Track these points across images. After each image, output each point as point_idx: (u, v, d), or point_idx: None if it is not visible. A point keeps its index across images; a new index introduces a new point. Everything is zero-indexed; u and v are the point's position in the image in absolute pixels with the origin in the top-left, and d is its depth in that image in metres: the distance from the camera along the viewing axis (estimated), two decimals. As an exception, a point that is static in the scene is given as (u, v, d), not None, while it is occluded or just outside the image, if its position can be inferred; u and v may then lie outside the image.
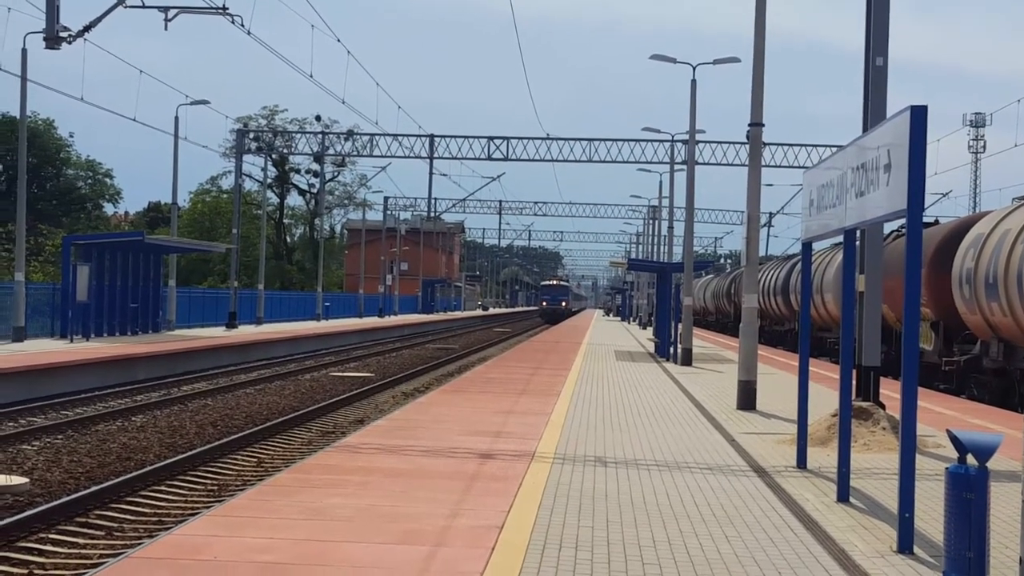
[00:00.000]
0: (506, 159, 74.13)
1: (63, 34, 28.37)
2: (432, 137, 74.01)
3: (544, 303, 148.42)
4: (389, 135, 73.19)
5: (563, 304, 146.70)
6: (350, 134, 78.19)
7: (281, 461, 19.97)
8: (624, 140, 73.40)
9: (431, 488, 13.27)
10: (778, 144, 70.97)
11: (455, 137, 74.20)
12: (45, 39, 28.79)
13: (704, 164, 70.06)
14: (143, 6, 33.04)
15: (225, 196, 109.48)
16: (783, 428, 19.93)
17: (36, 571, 12.37)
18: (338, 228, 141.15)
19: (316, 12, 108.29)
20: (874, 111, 19.09)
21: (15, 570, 12.37)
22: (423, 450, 16.40)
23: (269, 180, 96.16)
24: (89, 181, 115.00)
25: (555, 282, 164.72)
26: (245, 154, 77.07)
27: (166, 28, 35.09)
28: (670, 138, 63.56)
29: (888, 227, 26.26)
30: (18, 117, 44.81)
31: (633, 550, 10.35)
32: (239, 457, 20.71)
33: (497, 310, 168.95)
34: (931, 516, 11.52)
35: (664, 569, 9.69)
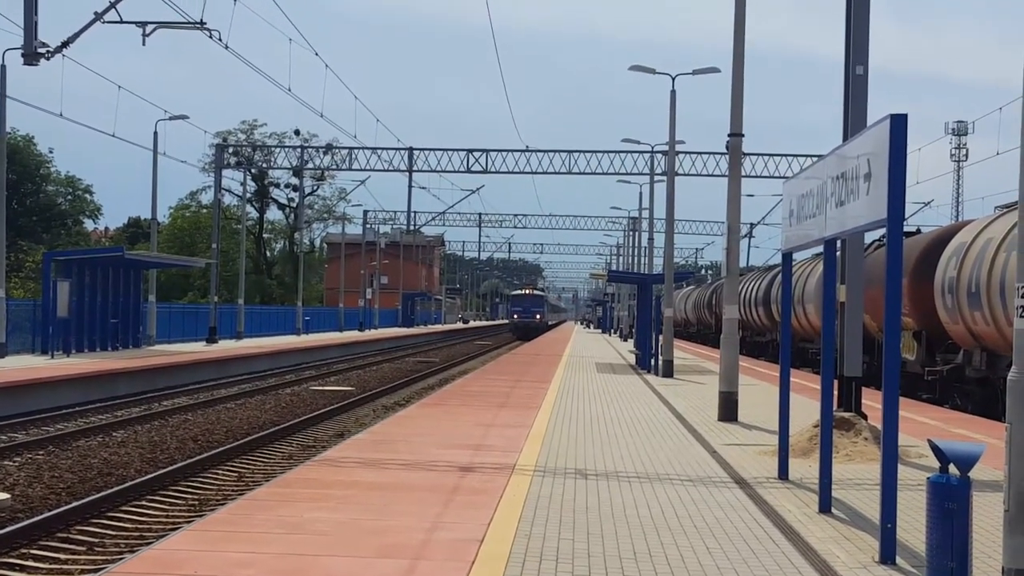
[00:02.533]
0: (485, 172, 74.23)
1: (41, 50, 28.35)
2: (411, 150, 74.15)
3: (515, 316, 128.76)
4: (368, 148, 73.33)
5: (537, 317, 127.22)
6: (329, 148, 78.32)
7: (262, 475, 19.93)
8: (604, 152, 73.62)
9: (411, 501, 13.25)
10: (758, 154, 71.18)
11: (434, 150, 74.39)
12: (23, 55, 28.75)
13: (684, 175, 70.20)
14: (121, 21, 33.00)
15: (205, 211, 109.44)
16: (765, 439, 19.93)
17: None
18: (318, 242, 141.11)
19: (294, 26, 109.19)
20: (854, 120, 19.12)
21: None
22: (403, 463, 16.37)
23: (248, 195, 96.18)
24: (69, 197, 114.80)
25: (528, 291, 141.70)
26: (224, 169, 77.00)
27: (144, 43, 35.10)
28: (650, 149, 63.89)
29: (869, 236, 26.26)
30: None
31: (614, 563, 10.34)
32: (220, 472, 20.66)
33: (478, 323, 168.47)
34: (913, 526, 11.53)
35: (646, 573, 9.69)
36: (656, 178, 61.85)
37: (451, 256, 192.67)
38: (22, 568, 13.13)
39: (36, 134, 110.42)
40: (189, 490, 18.65)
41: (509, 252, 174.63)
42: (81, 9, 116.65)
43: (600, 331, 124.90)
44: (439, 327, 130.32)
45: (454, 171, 74.69)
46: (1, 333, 39.36)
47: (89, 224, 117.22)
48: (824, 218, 12.72)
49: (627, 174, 73.26)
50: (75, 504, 16.31)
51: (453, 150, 74.14)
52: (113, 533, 15.20)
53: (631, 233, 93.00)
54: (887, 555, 10.34)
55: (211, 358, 46.11)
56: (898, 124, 10.13)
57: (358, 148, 73.45)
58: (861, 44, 19.71)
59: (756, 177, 70.98)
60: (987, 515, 12.02)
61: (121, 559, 11.95)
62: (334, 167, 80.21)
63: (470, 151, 74.12)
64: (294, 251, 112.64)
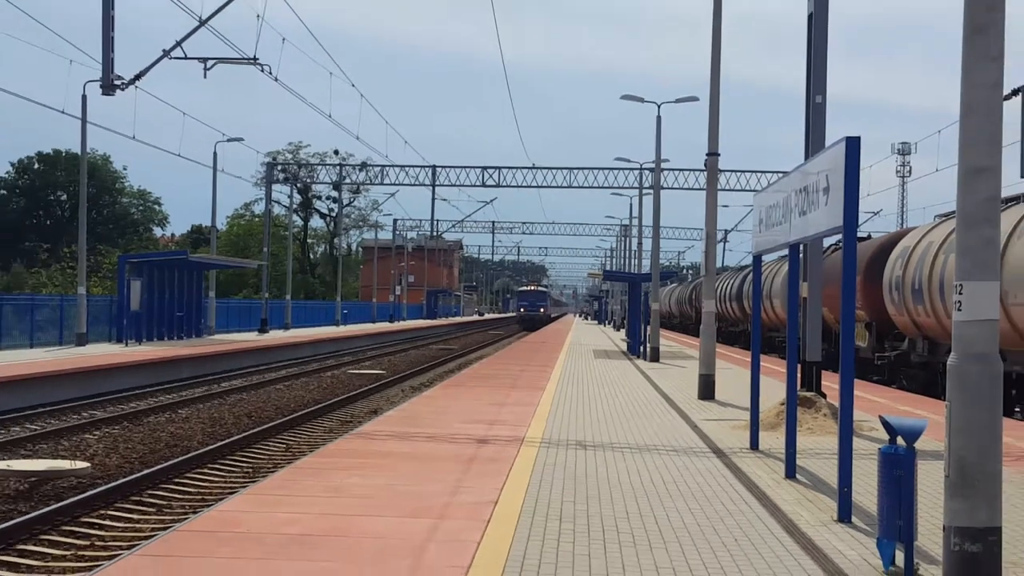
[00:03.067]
0: (498, 185, 74.53)
1: (117, 82, 28.37)
2: (434, 167, 74.37)
3: (522, 309, 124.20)
4: (397, 166, 73.65)
5: (542, 310, 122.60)
6: (364, 165, 78.37)
7: (307, 447, 19.94)
8: (599, 168, 73.84)
9: (436, 469, 13.26)
10: (732, 171, 71.30)
11: (454, 167, 74.63)
12: (102, 87, 28.81)
13: (668, 188, 70.31)
14: (185, 57, 32.99)
15: (257, 220, 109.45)
16: (738, 415, 19.93)
17: (97, 543, 12.35)
18: (354, 246, 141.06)
19: (334, 61, 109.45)
20: (815, 141, 19.09)
21: (79, 541, 12.36)
22: (429, 436, 16.38)
23: (294, 206, 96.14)
24: (140, 208, 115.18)
25: (533, 287, 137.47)
26: (274, 183, 77.40)
27: (205, 76, 35.13)
28: (639, 167, 63.65)
29: (827, 242, 26.21)
30: (80, 154, 44.81)
31: (610, 521, 10.34)
32: (270, 443, 20.72)
33: (491, 315, 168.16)
34: (866, 490, 11.50)
35: (636, 536, 9.68)
36: (644, 191, 61.72)
37: (468, 258, 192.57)
38: (101, 527, 13.17)
39: (112, 154, 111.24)
40: (244, 459, 18.70)
41: (518, 254, 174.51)
42: (151, 46, 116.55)
43: (596, 322, 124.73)
44: (458, 319, 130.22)
45: (471, 185, 74.95)
46: (83, 324, 39.49)
47: (158, 231, 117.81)
48: (789, 225, 12.70)
49: (619, 188, 73.47)
50: (146, 471, 16.38)
51: (470, 167, 74.39)
52: (179, 496, 15.25)
53: (623, 238, 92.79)
54: (844, 515, 10.34)
55: (262, 346, 46.16)
56: (852, 145, 10.12)
57: (388, 166, 73.76)
58: (820, 77, 19.67)
59: (730, 190, 71.20)
60: (930, 481, 11.99)
61: (186, 519, 11.97)
62: (368, 182, 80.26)
63: (484, 168, 74.33)
64: (333, 254, 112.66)
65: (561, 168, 74.53)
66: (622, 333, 67.57)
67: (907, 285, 26.79)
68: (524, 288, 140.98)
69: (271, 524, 9.96)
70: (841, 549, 9.18)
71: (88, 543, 12.35)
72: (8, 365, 28.28)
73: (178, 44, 29.26)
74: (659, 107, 42.74)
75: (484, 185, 74.90)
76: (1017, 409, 21.20)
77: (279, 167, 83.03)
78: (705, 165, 26.33)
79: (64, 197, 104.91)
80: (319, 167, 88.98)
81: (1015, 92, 24.71)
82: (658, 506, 11.18)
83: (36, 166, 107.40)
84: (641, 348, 42.75)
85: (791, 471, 12.96)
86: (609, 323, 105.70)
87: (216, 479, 16.73)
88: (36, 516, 12.98)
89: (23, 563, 11.41)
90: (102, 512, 13.84)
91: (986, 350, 7.49)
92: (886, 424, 8.67)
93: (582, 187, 73.96)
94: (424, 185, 75.67)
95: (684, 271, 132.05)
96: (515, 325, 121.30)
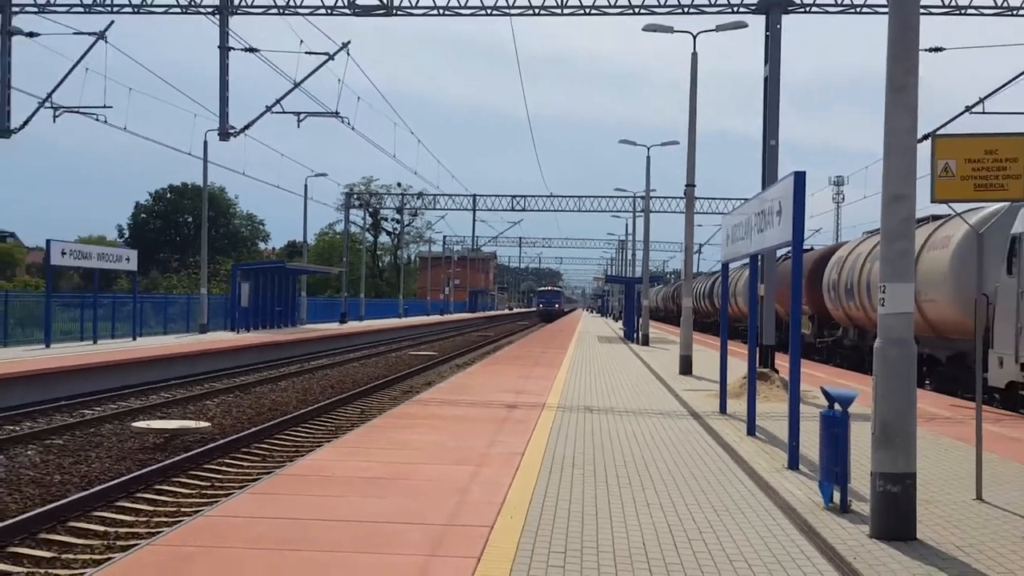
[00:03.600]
0: (523, 210, 74.59)
1: (231, 131, 28.43)
2: (475, 196, 74.36)
3: (541, 305, 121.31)
4: (446, 195, 73.63)
5: (556, 306, 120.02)
6: (420, 195, 78.91)
7: (376, 411, 19.99)
8: (602, 196, 73.75)
9: (476, 428, 13.29)
10: (705, 198, 70.88)
11: (490, 196, 74.56)
12: (219, 134, 28.83)
13: (655, 212, 69.67)
14: (283, 112, 33.10)
15: (337, 236, 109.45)
16: (710, 386, 19.87)
17: (216, 483, 12.45)
18: (412, 256, 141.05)
19: (397, 114, 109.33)
20: (769, 175, 19.09)
21: (202, 482, 12.46)
22: (471, 403, 16.42)
23: (366, 226, 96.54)
24: (248, 227, 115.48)
25: (550, 288, 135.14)
26: (351, 209, 77.29)
27: (298, 126, 35.29)
28: (632, 195, 63.49)
29: (779, 252, 26.16)
30: (202, 186, 45.11)
31: (611, 467, 10.36)
32: (348, 408, 20.78)
33: (518, 310, 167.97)
34: (810, 445, 11.47)
35: (631, 478, 9.70)
36: (637, 214, 61.60)
37: (501, 265, 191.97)
38: (219, 471, 13.27)
39: (227, 186, 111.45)
40: (328, 420, 18.76)
41: (539, 262, 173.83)
42: (257, 103, 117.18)
43: (600, 315, 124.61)
44: (493, 313, 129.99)
45: (503, 209, 74.81)
46: (204, 317, 39.74)
47: (262, 245, 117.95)
48: (750, 240, 12.69)
49: (618, 211, 73.28)
50: (253, 429, 16.45)
51: (502, 195, 74.28)
52: (279, 449, 15.33)
53: (620, 250, 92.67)
54: (793, 463, 10.33)
55: (342, 333, 46.26)
56: (799, 178, 10.11)
57: (439, 194, 73.97)
58: (773, 124, 19.66)
59: (704, 213, 70.62)
60: (860, 437, 11.96)
61: (284, 466, 12.05)
62: (423, 207, 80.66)
63: (513, 196, 74.27)
64: (396, 263, 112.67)
65: (573, 196, 74.27)
66: (620, 323, 67.45)
67: (841, 286, 26.70)
68: (543, 288, 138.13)
69: (350, 470, 10.02)
70: (790, 489, 9.17)
71: (209, 484, 12.45)
72: (148, 348, 28.49)
73: (277, 102, 29.36)
74: (648, 149, 42.68)
75: (513, 209, 74.86)
76: (927, 382, 21.10)
77: (355, 196, 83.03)
78: (684, 194, 26.30)
79: (190, 219, 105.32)
80: (385, 196, 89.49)
81: (926, 137, 24.52)
82: (648, 456, 11.19)
83: (168, 195, 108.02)
84: (635, 335, 42.70)
85: (751, 429, 12.94)
86: (610, 316, 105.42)
87: (307, 435, 16.81)
88: (169, 463, 13.10)
89: (159, 499, 11.53)
90: (219, 460, 13.96)
91: (904, 336, 7.49)
92: (826, 393, 8.67)
93: (589, 211, 73.65)
94: (467, 209, 75.64)
95: (668, 275, 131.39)
96: (536, 317, 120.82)
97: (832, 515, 8.11)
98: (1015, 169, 8.30)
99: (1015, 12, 22.01)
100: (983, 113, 20.62)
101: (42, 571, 8.69)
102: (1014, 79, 20.41)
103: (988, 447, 11.84)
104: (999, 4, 21.98)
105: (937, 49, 21.68)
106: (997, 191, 8.32)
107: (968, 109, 20.63)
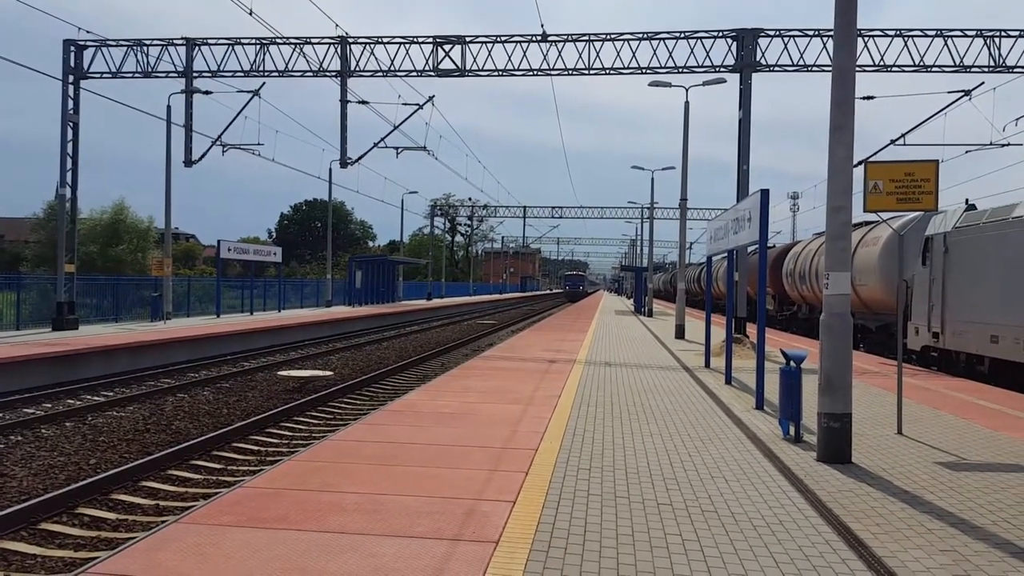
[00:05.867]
0: (562, 217, 74.44)
1: (348, 161, 28.61)
2: (525, 207, 74.31)
3: (567, 287, 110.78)
4: (503, 206, 73.94)
5: (580, 288, 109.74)
6: (485, 207, 78.97)
7: (453, 364, 20.06)
8: (617, 207, 73.32)
9: (525, 377, 13.28)
10: (696, 208, 70.37)
11: (535, 206, 74.53)
12: (340, 163, 29.07)
13: (658, 219, 69.57)
14: (386, 146, 33.28)
15: (425, 237, 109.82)
16: (698, 347, 19.67)
17: (338, 416, 12.58)
18: (479, 251, 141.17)
19: (468, 148, 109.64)
20: (742, 192, 18.78)
21: (326, 415, 12.60)
22: (521, 359, 16.41)
23: (446, 229, 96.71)
24: (360, 230, 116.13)
25: (575, 273, 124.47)
26: (436, 217, 77.64)
27: (397, 157, 35.49)
28: (640, 207, 62.87)
29: (750, 248, 25.80)
30: (327, 201, 45.55)
31: (623, 406, 10.29)
32: (433, 361, 20.86)
33: (556, 290, 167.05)
34: (772, 392, 11.35)
35: (638, 414, 9.63)
36: (644, 220, 61.15)
37: (544, 258, 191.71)
38: (340, 408, 13.39)
39: (346, 200, 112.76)
40: (417, 371, 18.83)
41: (572, 255, 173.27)
42: (367, 139, 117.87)
43: (617, 295, 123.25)
44: (537, 293, 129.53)
45: (545, 217, 74.89)
46: (330, 295, 40.18)
47: (370, 243, 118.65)
48: (728, 239, 12.52)
49: (630, 218, 73.22)
50: (363, 377, 16.56)
51: (544, 206, 74.38)
52: (383, 391, 15.42)
53: (632, 247, 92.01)
54: (759, 405, 10.19)
55: (428, 308, 46.43)
56: (765, 194, 9.95)
57: (499, 206, 74.28)
58: (745, 152, 19.32)
59: (695, 219, 70.00)
60: (809, 386, 11.78)
61: (386, 403, 12.14)
62: (487, 215, 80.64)
63: (553, 207, 74.25)
64: (468, 256, 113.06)
65: (596, 207, 74.45)
66: (631, 301, 66.99)
67: (796, 273, 26.27)
68: (570, 273, 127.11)
69: (433, 407, 10.07)
70: (757, 424, 9.05)
71: (332, 416, 12.60)
72: (289, 317, 28.83)
73: (382, 139, 29.47)
74: (652, 173, 42.17)
75: (552, 216, 74.84)
76: (861, 346, 20.72)
77: (437, 207, 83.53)
78: (679, 206, 26.00)
79: (319, 224, 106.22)
80: (460, 207, 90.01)
81: (860, 163, 24.00)
82: (650, 397, 11.11)
83: (304, 208, 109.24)
84: (643, 309, 42.35)
85: (728, 379, 12.79)
86: (624, 295, 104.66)
87: (403, 381, 16.91)
88: (304, 401, 13.25)
89: (298, 426, 11.69)
90: (340, 399, 14.10)
91: (843, 311, 7.36)
92: (784, 354, 8.53)
93: (609, 217, 73.70)
94: (519, 217, 75.90)
95: (668, 265, 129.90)
96: (563, 298, 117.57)
97: (788, 444, 7.99)
98: (928, 187, 8.12)
99: (928, 69, 21.49)
100: (904, 145, 20.23)
101: (214, 478, 8.88)
102: (926, 120, 20.00)
103: (907, 395, 11.62)
104: (916, 64, 21.45)
105: (869, 97, 21.22)
106: (914, 204, 8.15)
107: (892, 142, 20.26)
